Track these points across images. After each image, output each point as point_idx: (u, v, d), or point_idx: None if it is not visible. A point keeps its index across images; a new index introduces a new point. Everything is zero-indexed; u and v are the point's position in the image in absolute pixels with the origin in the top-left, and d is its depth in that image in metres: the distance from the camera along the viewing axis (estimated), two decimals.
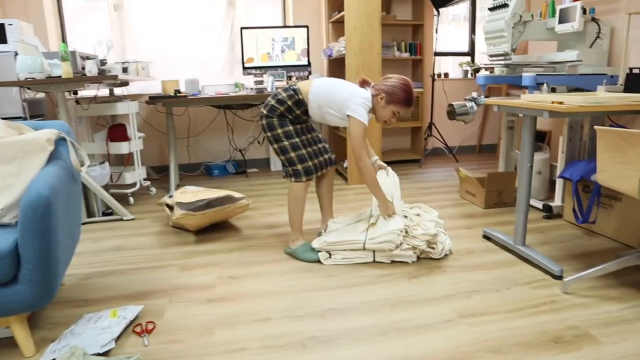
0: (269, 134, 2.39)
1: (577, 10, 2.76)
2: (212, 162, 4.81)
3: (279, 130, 2.37)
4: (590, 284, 2.08)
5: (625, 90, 2.74)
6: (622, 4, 3.08)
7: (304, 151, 2.41)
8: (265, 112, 2.38)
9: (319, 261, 2.40)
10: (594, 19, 3.01)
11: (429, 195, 3.67)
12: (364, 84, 2.43)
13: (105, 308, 1.96)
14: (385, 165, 2.67)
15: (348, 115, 2.30)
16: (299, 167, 2.39)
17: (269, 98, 2.41)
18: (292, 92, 2.37)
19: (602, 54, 3.06)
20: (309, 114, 2.41)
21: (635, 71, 2.75)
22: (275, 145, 2.39)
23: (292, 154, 2.38)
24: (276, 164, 4.78)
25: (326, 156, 2.55)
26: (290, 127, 2.39)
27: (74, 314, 1.93)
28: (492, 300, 1.95)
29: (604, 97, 2.02)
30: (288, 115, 2.38)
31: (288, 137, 2.38)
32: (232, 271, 2.33)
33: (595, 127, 1.83)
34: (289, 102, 2.36)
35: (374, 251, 2.35)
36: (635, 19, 3.01)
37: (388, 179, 2.60)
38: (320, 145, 2.54)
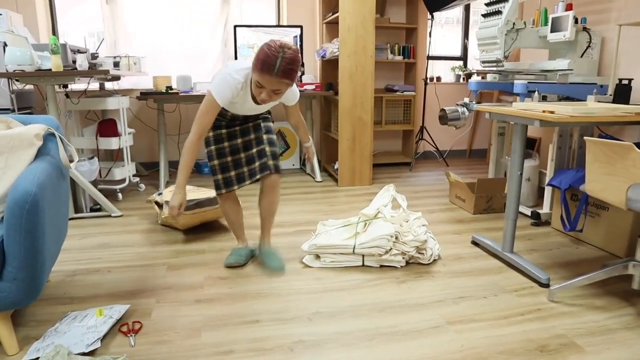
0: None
1: (569, 20, 2.78)
2: (202, 159, 4.78)
3: (210, 133, 2.19)
4: (576, 293, 2.10)
5: (615, 101, 2.77)
6: (613, 14, 3.12)
7: (216, 161, 2.20)
8: None
9: (235, 266, 2.33)
10: (585, 29, 3.04)
11: (419, 199, 3.68)
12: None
13: (91, 306, 1.94)
14: (311, 156, 2.39)
15: None
16: (219, 177, 2.22)
17: None
18: None
19: (592, 64, 3.09)
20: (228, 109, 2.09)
21: (625, 82, 2.78)
22: (205, 149, 2.15)
23: (215, 162, 2.21)
24: None
25: (254, 165, 2.21)
26: (219, 130, 2.19)
27: (59, 311, 1.91)
28: (479, 307, 1.96)
29: (595, 107, 2.04)
30: (219, 118, 2.17)
31: (215, 142, 2.20)
32: (221, 272, 2.31)
33: (585, 138, 1.85)
34: None
35: (363, 255, 2.35)
36: (625, 30, 3.04)
37: (387, 192, 2.63)
38: (252, 152, 2.22)
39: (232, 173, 2.22)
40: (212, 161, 2.21)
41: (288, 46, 1.78)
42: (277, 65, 1.75)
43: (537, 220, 3.05)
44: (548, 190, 3.08)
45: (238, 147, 2.23)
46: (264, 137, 2.21)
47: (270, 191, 2.21)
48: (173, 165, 4.70)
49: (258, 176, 2.19)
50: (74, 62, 3.20)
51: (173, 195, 1.99)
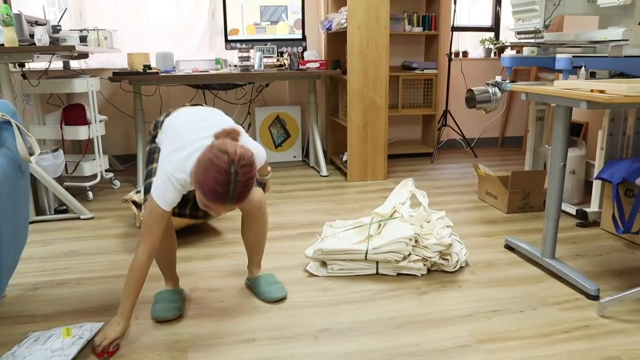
0: None
1: None
2: None
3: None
4: (632, 307, 2.07)
5: None
6: None
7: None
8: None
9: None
10: None
11: (443, 196, 3.67)
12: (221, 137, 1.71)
13: (57, 325, 1.93)
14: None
15: None
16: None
17: None
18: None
19: None
20: None
21: None
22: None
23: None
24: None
25: None
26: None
27: (17, 332, 1.90)
28: (515, 323, 1.95)
29: None
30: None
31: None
32: (210, 282, 2.31)
33: None
34: None
35: (377, 262, 2.35)
36: None
37: (405, 188, 2.61)
38: None
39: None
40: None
41: (239, 158, 1.59)
42: (230, 193, 1.59)
43: (584, 220, 3.03)
44: (597, 185, 3.06)
45: None
46: None
47: (253, 219, 2.08)
48: None
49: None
50: (32, 36, 3.19)
51: (111, 324, 1.78)
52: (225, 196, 1.59)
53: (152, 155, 2.04)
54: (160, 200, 1.74)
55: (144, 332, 1.90)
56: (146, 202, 1.80)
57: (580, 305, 2.08)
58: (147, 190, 1.91)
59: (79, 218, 3.20)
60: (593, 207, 3.06)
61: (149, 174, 1.99)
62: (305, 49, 4.45)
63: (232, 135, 1.70)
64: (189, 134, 1.79)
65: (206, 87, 4.44)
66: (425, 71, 4.75)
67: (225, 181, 1.57)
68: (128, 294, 1.78)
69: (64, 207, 3.28)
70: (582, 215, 3.03)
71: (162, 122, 1.96)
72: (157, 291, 2.13)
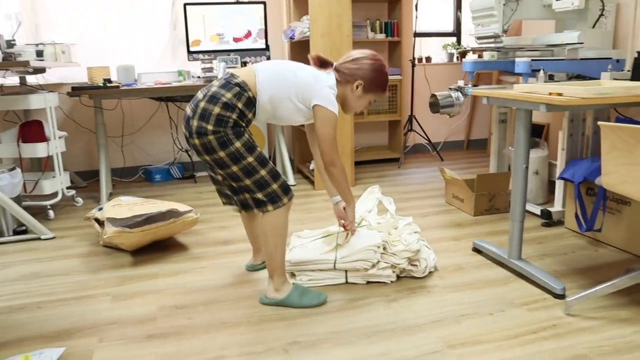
0: (221, 154, 2.01)
1: None
2: (152, 165, 4.69)
3: (238, 144, 2.01)
4: (597, 304, 2.11)
5: (633, 77, 2.81)
6: None
7: (271, 164, 2.11)
8: (209, 127, 1.98)
9: (325, 302, 2.19)
10: None
11: (410, 201, 3.68)
12: (323, 65, 2.18)
13: (15, 353, 1.87)
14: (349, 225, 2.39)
15: (314, 107, 2.08)
16: (275, 186, 2.07)
17: (201, 103, 2.02)
18: (237, 88, 2.02)
19: (606, 35, 3.13)
20: (256, 115, 2.12)
21: None
22: (235, 167, 2.02)
23: (263, 172, 2.05)
24: None
25: None
26: (247, 136, 2.06)
27: None
28: (484, 326, 1.96)
29: (610, 87, 2.06)
30: (241, 123, 2.04)
31: (251, 151, 2.04)
32: (178, 299, 2.27)
33: (599, 122, 1.86)
34: (239, 105, 2.02)
35: (346, 271, 2.33)
36: None
37: (371, 195, 2.61)
38: None
39: (282, 177, 2.13)
40: (256, 174, 2.04)
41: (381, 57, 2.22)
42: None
43: (548, 220, 3.08)
44: (560, 185, 3.11)
45: None
46: None
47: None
48: (116, 174, 4.61)
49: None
50: None
51: (353, 213, 2.34)
52: (387, 84, 2.24)
53: (246, 142, 2.06)
54: (335, 109, 2.09)
55: (108, 354, 1.85)
56: (324, 118, 2.08)
57: (547, 305, 2.11)
58: (273, 200, 2.07)
59: (39, 238, 3.10)
60: (557, 207, 3.11)
61: (252, 171, 2.06)
62: (269, 58, 4.43)
63: (326, 61, 2.21)
64: (303, 68, 2.18)
65: (169, 100, 4.38)
66: (390, 77, 4.77)
67: (387, 74, 2.22)
68: (348, 191, 2.25)
69: (23, 228, 3.18)
70: (546, 215, 3.08)
71: (245, 82, 2.05)
72: (291, 287, 2.19)
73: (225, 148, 2.00)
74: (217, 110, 1.98)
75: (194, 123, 2.01)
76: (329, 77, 2.14)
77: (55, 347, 1.85)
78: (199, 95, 2.07)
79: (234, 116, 2.00)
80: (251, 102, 2.06)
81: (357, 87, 2.16)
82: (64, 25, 4.30)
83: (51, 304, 2.27)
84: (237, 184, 2.10)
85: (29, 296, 2.35)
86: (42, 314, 2.17)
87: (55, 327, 2.06)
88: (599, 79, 2.94)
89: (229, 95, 2.01)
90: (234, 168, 2.02)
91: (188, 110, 2.08)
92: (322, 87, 2.09)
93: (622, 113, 3.10)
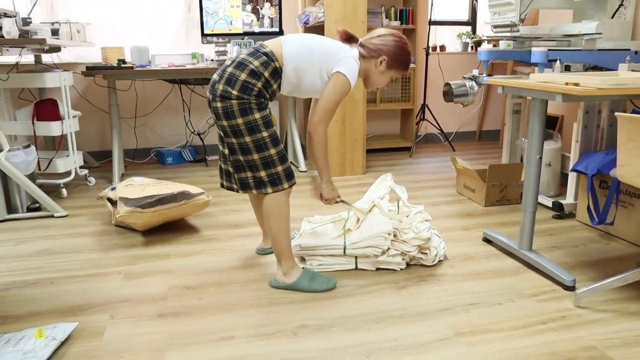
0: (239, 121, 2.01)
1: None
2: (164, 147, 4.71)
3: (257, 115, 2.02)
4: (607, 297, 2.10)
5: None
6: None
7: (282, 146, 2.12)
8: (233, 92, 1.98)
9: (335, 287, 2.22)
10: None
11: (421, 190, 3.68)
12: (349, 39, 2.22)
13: (29, 326, 1.90)
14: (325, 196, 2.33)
15: (334, 74, 2.08)
16: (280, 169, 2.09)
17: (228, 69, 2.03)
18: (264, 57, 2.03)
19: (625, 26, 3.09)
20: (281, 86, 2.13)
21: None
22: (249, 138, 2.02)
23: (273, 151, 2.06)
24: None
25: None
26: (267, 111, 2.07)
27: None
28: (493, 315, 1.96)
29: (627, 77, 2.03)
30: (265, 94, 2.06)
31: (267, 126, 2.05)
32: (188, 280, 2.28)
33: (616, 114, 1.84)
34: (266, 74, 2.03)
35: (355, 257, 2.34)
36: None
37: (383, 183, 2.61)
38: None
39: (289, 163, 2.15)
40: (266, 151, 2.05)
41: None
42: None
43: (560, 212, 3.07)
44: (572, 177, 3.09)
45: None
46: None
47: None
48: (128, 155, 4.63)
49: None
50: (0, 28, 3.12)
51: (326, 189, 2.23)
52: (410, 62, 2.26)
53: (264, 117, 2.07)
54: (353, 80, 2.10)
55: (119, 331, 1.87)
56: (337, 83, 2.08)
57: (557, 296, 2.11)
58: (274, 183, 2.09)
59: (52, 216, 3.13)
60: (569, 199, 3.09)
61: (263, 146, 2.06)
62: None
63: (353, 36, 2.23)
64: (328, 40, 2.19)
65: (182, 82, 4.38)
66: None
67: (410, 52, 2.23)
68: (327, 164, 2.18)
69: (37, 205, 3.22)
70: (558, 207, 3.06)
71: (272, 52, 2.06)
72: (300, 271, 2.20)
73: (245, 116, 2.00)
74: (243, 76, 1.99)
75: (219, 87, 2.01)
76: (353, 50, 2.16)
77: (68, 322, 1.87)
78: (227, 62, 2.10)
79: (259, 84, 2.01)
80: (277, 73, 2.06)
81: (380, 63, 2.18)
82: (79, 5, 4.31)
83: (64, 280, 2.29)
84: (245, 158, 2.07)
85: (42, 272, 2.38)
86: (55, 290, 2.20)
87: (67, 303, 2.08)
88: (616, 70, 2.90)
89: (256, 63, 2.01)
90: (247, 139, 2.02)
91: (215, 75, 2.09)
92: (347, 56, 2.11)
93: (638, 105, 3.06)
